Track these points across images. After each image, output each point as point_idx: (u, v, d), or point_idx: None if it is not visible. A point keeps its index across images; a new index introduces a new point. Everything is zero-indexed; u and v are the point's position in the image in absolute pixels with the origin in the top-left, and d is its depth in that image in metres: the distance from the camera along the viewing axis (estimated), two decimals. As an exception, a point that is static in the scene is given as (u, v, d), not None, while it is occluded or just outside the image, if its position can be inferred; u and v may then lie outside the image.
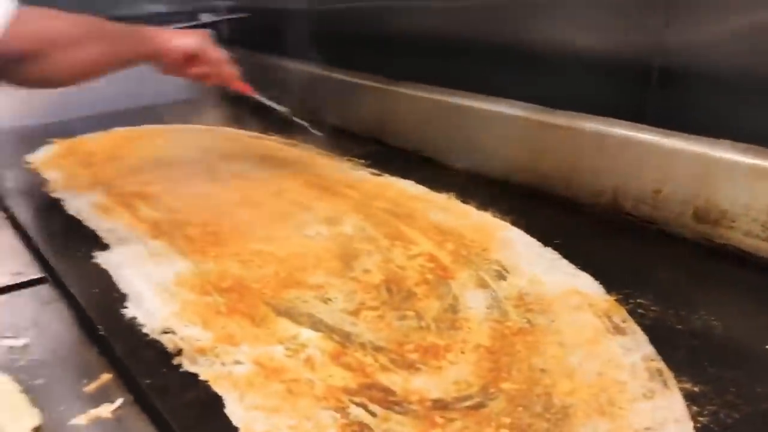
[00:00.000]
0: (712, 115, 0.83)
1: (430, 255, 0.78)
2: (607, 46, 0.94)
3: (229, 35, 1.72)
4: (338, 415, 0.51)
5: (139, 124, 1.40)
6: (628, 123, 0.87)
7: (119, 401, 0.55)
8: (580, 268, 0.75)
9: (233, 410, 0.52)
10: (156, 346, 0.61)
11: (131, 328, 0.64)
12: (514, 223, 0.87)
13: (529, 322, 0.65)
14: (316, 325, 0.64)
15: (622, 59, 0.92)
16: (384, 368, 0.57)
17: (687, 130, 0.82)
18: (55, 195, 0.99)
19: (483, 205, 0.92)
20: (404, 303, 0.68)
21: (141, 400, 0.55)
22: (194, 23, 1.78)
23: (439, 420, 0.51)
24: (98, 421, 0.53)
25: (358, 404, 0.53)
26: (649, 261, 0.78)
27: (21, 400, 0.53)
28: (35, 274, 0.76)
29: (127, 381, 0.57)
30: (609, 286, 0.71)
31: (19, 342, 0.63)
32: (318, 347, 0.60)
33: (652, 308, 0.67)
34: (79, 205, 0.93)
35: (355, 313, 0.66)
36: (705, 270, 0.76)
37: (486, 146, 1.05)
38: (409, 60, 1.22)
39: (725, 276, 0.75)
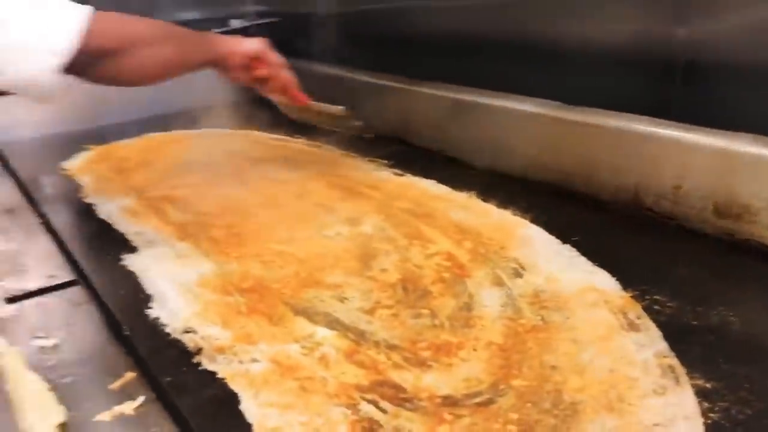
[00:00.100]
0: (739, 109, 0.82)
1: (447, 254, 0.79)
2: (629, 41, 0.93)
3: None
4: (349, 412, 0.53)
5: (172, 130, 1.43)
6: (648, 118, 0.87)
7: (141, 399, 0.57)
8: (598, 265, 0.75)
9: (248, 407, 0.54)
10: (178, 346, 0.63)
11: (155, 328, 0.66)
12: (534, 221, 0.87)
13: (543, 319, 0.65)
14: (332, 323, 0.65)
15: (645, 54, 0.91)
16: (396, 366, 0.58)
17: (713, 125, 0.81)
18: (88, 200, 1.02)
19: (503, 203, 0.93)
20: (419, 301, 0.69)
21: (162, 397, 0.57)
22: (225, 29, 1.82)
23: (447, 416, 0.52)
24: (121, 418, 0.55)
25: (369, 401, 0.54)
26: (668, 257, 0.77)
27: (48, 398, 0.56)
28: (67, 277, 0.79)
29: (150, 379, 0.59)
30: (627, 282, 0.71)
31: (50, 342, 0.65)
32: (333, 345, 0.61)
33: (669, 304, 0.67)
34: (110, 210, 0.96)
35: (370, 311, 0.67)
36: (725, 265, 0.75)
37: (507, 144, 1.05)
38: (431, 60, 1.23)
39: (746, 271, 0.74)
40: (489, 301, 0.69)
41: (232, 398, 0.55)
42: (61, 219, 0.97)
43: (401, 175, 1.07)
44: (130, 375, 0.60)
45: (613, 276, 0.72)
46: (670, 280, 0.71)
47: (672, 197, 0.84)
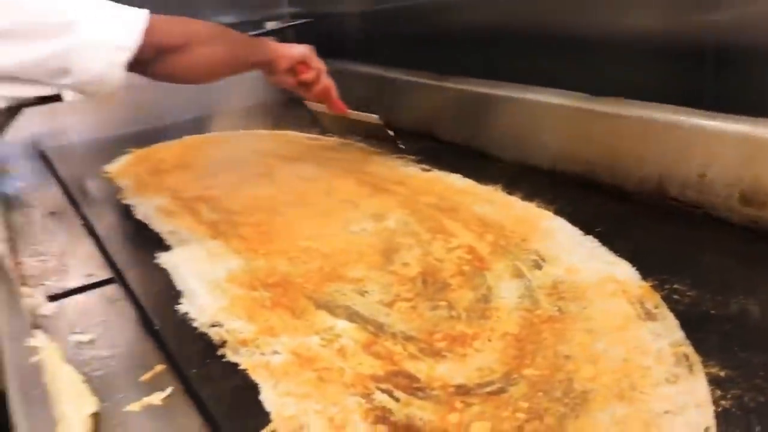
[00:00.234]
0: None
1: (469, 247, 0.80)
2: (658, 28, 0.92)
3: (295, 42, 1.78)
4: (363, 401, 0.54)
5: (209, 132, 1.48)
6: (671, 107, 0.86)
7: (169, 390, 0.60)
8: (620, 256, 0.75)
9: (267, 397, 0.56)
10: (204, 339, 0.66)
11: (183, 322, 0.69)
12: (559, 212, 0.87)
13: (559, 310, 0.66)
14: (352, 316, 0.67)
15: (675, 42, 0.90)
16: (412, 356, 0.60)
17: (745, 113, 0.80)
18: (126, 201, 1.06)
19: (528, 196, 0.93)
20: (438, 294, 0.70)
21: (188, 388, 0.60)
22: (260, 31, 1.85)
23: (458, 405, 0.53)
24: (149, 408, 0.58)
25: (383, 390, 0.55)
26: (692, 246, 0.77)
27: (82, 390, 0.59)
28: (105, 275, 0.83)
29: (177, 371, 0.62)
30: (647, 272, 0.70)
31: (86, 337, 0.69)
32: (351, 337, 0.63)
33: (688, 293, 0.67)
34: (147, 210, 1.00)
35: (390, 304, 0.69)
36: (749, 254, 0.74)
37: (533, 136, 1.05)
38: (458, 55, 1.24)
39: (771, 259, 0.74)
40: (507, 292, 0.70)
41: (253, 388, 0.57)
42: (102, 220, 1.01)
43: (428, 170, 1.09)
44: (159, 367, 0.63)
45: (635, 266, 0.72)
46: (691, 270, 0.71)
47: (697, 186, 0.83)
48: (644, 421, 0.50)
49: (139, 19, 0.84)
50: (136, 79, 0.89)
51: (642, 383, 0.54)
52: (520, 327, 0.63)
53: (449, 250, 0.79)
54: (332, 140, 1.31)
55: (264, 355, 0.61)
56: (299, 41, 1.76)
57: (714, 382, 0.54)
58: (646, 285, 0.68)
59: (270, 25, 1.90)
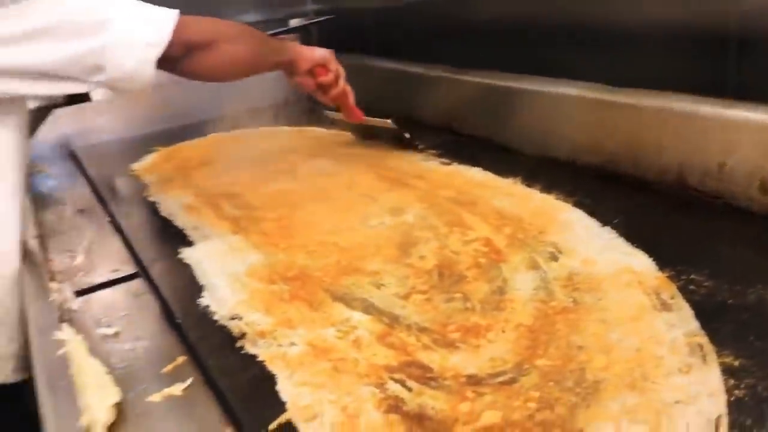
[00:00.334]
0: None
1: (485, 239, 0.80)
2: (679, 16, 0.91)
3: (318, 38, 1.80)
4: (377, 390, 0.55)
5: (234, 129, 1.50)
6: (691, 96, 0.85)
7: (189, 381, 0.61)
8: (638, 247, 0.74)
9: (283, 387, 0.57)
10: (224, 331, 0.67)
11: (204, 315, 0.71)
12: (578, 204, 0.87)
13: (574, 301, 0.66)
14: (368, 308, 0.68)
15: (697, 30, 0.89)
16: (425, 347, 0.61)
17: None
18: (152, 198, 1.09)
19: (547, 188, 0.93)
20: (453, 286, 0.71)
21: (208, 379, 0.61)
22: (284, 29, 1.87)
23: (470, 394, 0.54)
24: (170, 398, 0.59)
25: (396, 380, 0.56)
26: (711, 236, 0.77)
27: (106, 381, 0.61)
28: (130, 270, 0.85)
29: (198, 363, 0.64)
30: (665, 262, 0.70)
31: (111, 330, 0.71)
32: (367, 329, 0.64)
33: (705, 284, 0.66)
34: (171, 207, 1.02)
35: (405, 296, 0.70)
36: (769, 244, 0.74)
37: (552, 129, 1.05)
38: (478, 48, 1.24)
39: (791, 249, 0.73)
40: (522, 284, 0.70)
41: (270, 379, 0.58)
42: (128, 217, 1.04)
43: (448, 164, 1.09)
44: (181, 359, 0.65)
45: (652, 257, 0.72)
46: (710, 260, 0.70)
47: (717, 175, 0.82)
48: (655, 410, 0.50)
49: (169, 17, 0.87)
50: (163, 78, 0.91)
51: (654, 373, 0.54)
52: (534, 318, 0.64)
53: (466, 243, 0.80)
54: (353, 136, 1.32)
55: (281, 346, 0.63)
56: (322, 38, 1.79)
57: (728, 371, 0.54)
58: (662, 275, 0.68)
59: (294, 23, 1.92)
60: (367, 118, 1.18)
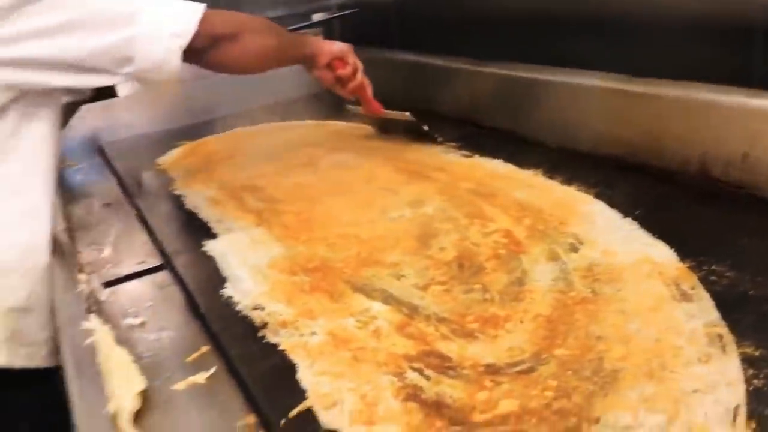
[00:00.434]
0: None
1: (506, 231, 0.80)
2: (703, 5, 0.90)
3: (341, 33, 1.81)
4: (395, 379, 0.56)
5: (258, 123, 1.51)
6: (713, 86, 0.84)
7: (213, 369, 0.63)
8: (661, 238, 0.74)
9: (304, 375, 0.58)
10: (246, 321, 0.68)
11: (227, 306, 0.72)
12: (599, 196, 0.87)
13: (593, 291, 0.66)
14: (388, 299, 0.69)
15: (722, 19, 0.88)
16: (444, 337, 0.61)
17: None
18: (177, 192, 1.11)
19: (568, 180, 0.93)
20: (473, 277, 0.71)
21: (230, 368, 0.63)
22: (307, 23, 1.88)
23: (488, 383, 0.54)
24: (194, 387, 0.61)
25: (415, 369, 0.57)
26: (733, 227, 0.76)
27: (132, 370, 0.62)
28: (155, 262, 0.87)
29: (221, 352, 0.65)
30: (686, 253, 0.70)
31: (137, 321, 0.73)
32: (386, 319, 0.65)
33: (726, 274, 0.66)
34: (196, 200, 1.04)
35: (424, 287, 0.70)
36: (793, 234, 0.73)
37: (574, 120, 1.05)
38: (499, 40, 1.23)
39: (816, 239, 0.72)
40: (541, 275, 0.70)
41: (291, 368, 0.60)
42: (154, 210, 1.06)
43: (469, 156, 1.09)
44: (204, 348, 0.66)
45: (674, 248, 0.71)
46: (732, 250, 0.70)
47: (740, 165, 0.82)
48: (673, 399, 0.50)
49: (195, 9, 0.90)
50: (188, 74, 0.93)
51: (673, 363, 0.54)
52: (553, 308, 0.64)
53: (486, 235, 0.80)
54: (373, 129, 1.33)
55: (302, 336, 0.64)
56: (344, 32, 1.79)
57: (747, 361, 0.54)
58: (682, 266, 0.68)
59: (317, 17, 1.93)
60: (385, 111, 1.19)
